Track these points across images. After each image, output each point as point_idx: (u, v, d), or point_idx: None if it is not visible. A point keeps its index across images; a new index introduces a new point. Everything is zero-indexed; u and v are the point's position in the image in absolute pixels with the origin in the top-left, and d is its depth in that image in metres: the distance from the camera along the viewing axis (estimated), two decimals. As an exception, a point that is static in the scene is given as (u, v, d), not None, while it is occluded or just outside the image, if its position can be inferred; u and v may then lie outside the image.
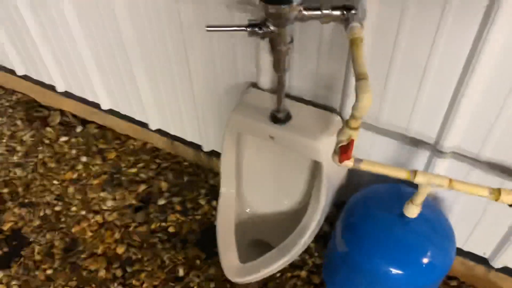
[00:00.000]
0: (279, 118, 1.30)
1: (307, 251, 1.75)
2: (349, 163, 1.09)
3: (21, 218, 1.94)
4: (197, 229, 1.85)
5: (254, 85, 1.44)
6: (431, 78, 1.10)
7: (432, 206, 1.32)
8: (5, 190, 2.04)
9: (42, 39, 1.93)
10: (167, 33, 1.49)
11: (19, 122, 2.32)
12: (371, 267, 1.22)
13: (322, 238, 1.77)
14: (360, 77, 0.91)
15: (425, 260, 1.20)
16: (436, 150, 1.25)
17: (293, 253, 1.41)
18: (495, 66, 1.00)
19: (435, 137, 1.23)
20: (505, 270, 1.47)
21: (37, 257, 1.81)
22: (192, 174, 2.03)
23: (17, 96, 2.46)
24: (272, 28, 1.04)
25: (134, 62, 1.69)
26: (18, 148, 2.21)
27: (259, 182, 1.61)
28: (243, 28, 1.06)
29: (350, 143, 1.00)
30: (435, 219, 1.27)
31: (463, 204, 1.35)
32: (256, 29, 1.05)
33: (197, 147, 1.93)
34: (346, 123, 0.99)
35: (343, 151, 1.02)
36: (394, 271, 1.19)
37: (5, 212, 1.96)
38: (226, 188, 1.53)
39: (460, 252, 1.52)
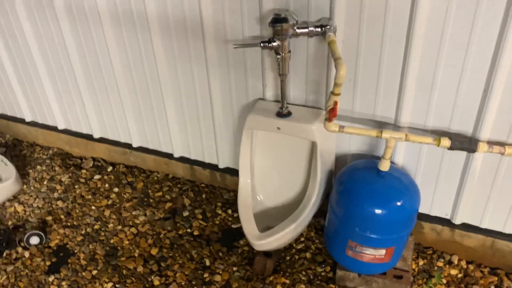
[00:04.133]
0: (283, 113, 1.81)
1: (310, 239, 2.13)
2: (336, 128, 1.59)
3: (66, 236, 2.28)
4: (218, 231, 2.23)
5: (261, 99, 1.97)
6: (384, 70, 1.66)
7: (401, 170, 1.79)
8: (49, 218, 2.40)
9: (88, 94, 2.47)
10: (194, 70, 2.05)
11: (57, 168, 2.75)
12: (361, 211, 1.64)
13: (320, 230, 2.17)
14: (337, 59, 1.46)
15: (398, 203, 1.65)
16: (396, 127, 1.76)
17: (301, 220, 1.83)
18: (420, 61, 1.57)
19: (394, 117, 1.75)
20: (464, 226, 1.89)
21: (83, 262, 2.14)
22: (209, 193, 2.45)
23: (53, 151, 2.91)
24: (277, 42, 1.62)
25: (166, 98, 2.22)
26: (58, 187, 2.61)
27: (268, 173, 2.06)
28: (259, 44, 1.63)
29: (335, 105, 1.51)
30: (403, 177, 1.73)
31: (423, 171, 1.83)
32: (267, 44, 1.62)
33: (213, 167, 2.39)
34: (331, 92, 1.51)
35: (331, 112, 1.52)
36: (377, 211, 1.62)
37: (51, 233, 2.30)
38: (244, 178, 1.97)
39: (428, 218, 1.95)
